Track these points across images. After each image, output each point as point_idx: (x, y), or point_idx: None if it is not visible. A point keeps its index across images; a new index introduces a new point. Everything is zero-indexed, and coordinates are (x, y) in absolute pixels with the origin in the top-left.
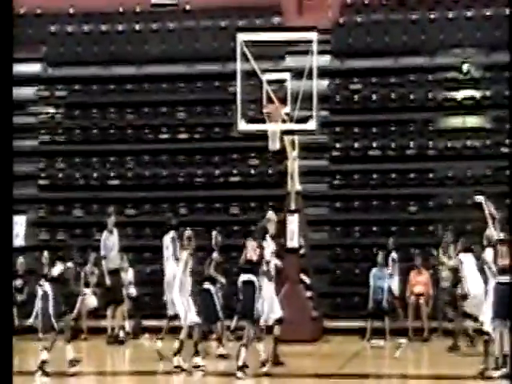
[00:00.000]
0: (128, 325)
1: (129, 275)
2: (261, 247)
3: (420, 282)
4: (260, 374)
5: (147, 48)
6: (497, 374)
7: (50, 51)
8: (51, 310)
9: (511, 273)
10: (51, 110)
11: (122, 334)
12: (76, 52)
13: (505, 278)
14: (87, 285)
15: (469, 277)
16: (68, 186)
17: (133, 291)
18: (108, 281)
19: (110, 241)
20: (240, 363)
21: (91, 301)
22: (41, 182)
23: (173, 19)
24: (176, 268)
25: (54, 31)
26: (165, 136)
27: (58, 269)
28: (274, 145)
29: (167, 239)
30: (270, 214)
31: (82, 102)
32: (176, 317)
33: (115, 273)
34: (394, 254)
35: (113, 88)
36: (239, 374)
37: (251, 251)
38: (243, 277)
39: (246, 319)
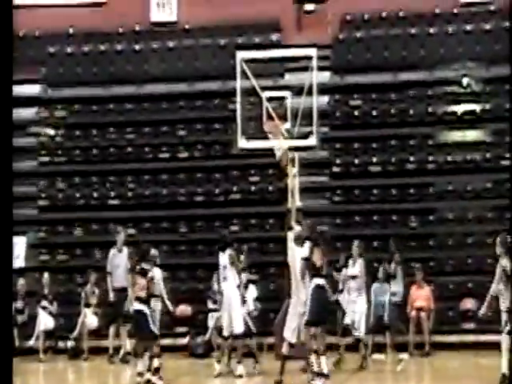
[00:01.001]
0: (129, 344)
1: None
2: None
3: (421, 296)
4: None
5: (147, 67)
6: None
7: (49, 72)
8: None
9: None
10: (51, 131)
11: (121, 353)
12: (76, 72)
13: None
14: (88, 305)
15: None
16: (68, 206)
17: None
18: (112, 298)
19: (118, 259)
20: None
21: (92, 321)
22: (41, 202)
23: (172, 38)
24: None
25: (54, 52)
26: (165, 155)
27: None
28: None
29: (224, 258)
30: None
31: (82, 122)
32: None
33: (121, 291)
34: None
35: (113, 108)
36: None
37: (318, 258)
38: (317, 281)
39: (320, 325)
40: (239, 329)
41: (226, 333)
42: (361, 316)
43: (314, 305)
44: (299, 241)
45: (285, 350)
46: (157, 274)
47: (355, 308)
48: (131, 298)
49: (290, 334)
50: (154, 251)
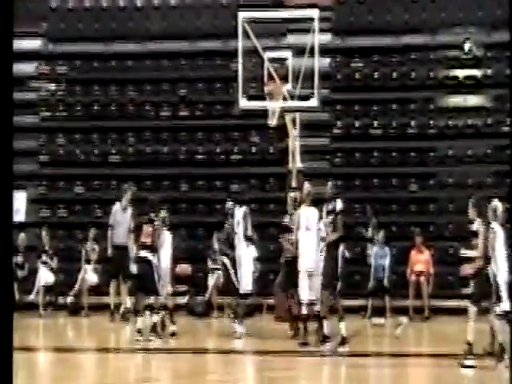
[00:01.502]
0: (129, 302)
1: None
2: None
3: (421, 260)
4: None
5: (148, 25)
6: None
7: (50, 27)
8: None
9: None
10: (52, 86)
11: (122, 310)
12: (77, 28)
13: None
14: (88, 261)
15: None
16: (68, 162)
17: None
18: (110, 253)
19: (121, 216)
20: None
21: (92, 277)
22: (41, 158)
23: None
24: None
25: (55, 7)
26: (166, 113)
27: None
28: (272, 121)
29: (239, 215)
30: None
31: (83, 78)
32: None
33: (121, 249)
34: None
35: (114, 65)
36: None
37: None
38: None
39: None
40: (247, 287)
41: (241, 290)
42: None
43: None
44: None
45: (305, 310)
46: (167, 237)
47: None
48: (132, 257)
49: (306, 294)
50: (164, 213)
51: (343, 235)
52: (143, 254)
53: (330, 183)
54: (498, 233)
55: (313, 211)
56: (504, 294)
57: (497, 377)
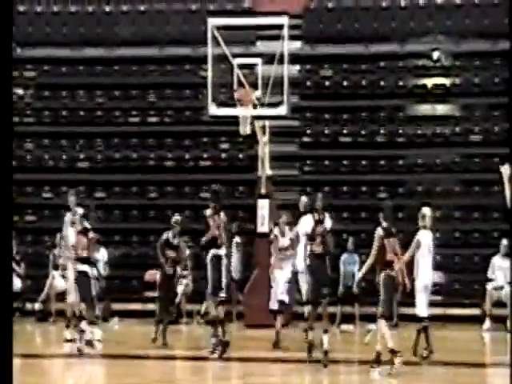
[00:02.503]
0: (97, 308)
1: (102, 256)
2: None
3: None
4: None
5: (117, 30)
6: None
7: (18, 31)
8: None
9: None
10: (20, 91)
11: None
12: (45, 32)
13: None
14: (56, 267)
15: None
16: (37, 167)
17: (101, 272)
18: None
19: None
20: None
21: (60, 283)
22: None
23: (143, 1)
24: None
25: (23, 10)
26: (135, 119)
27: None
28: (245, 129)
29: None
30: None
31: (52, 83)
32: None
33: None
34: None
35: (82, 70)
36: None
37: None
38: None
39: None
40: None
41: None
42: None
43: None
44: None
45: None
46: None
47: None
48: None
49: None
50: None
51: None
52: (81, 268)
53: (319, 194)
54: (422, 239)
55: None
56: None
57: None
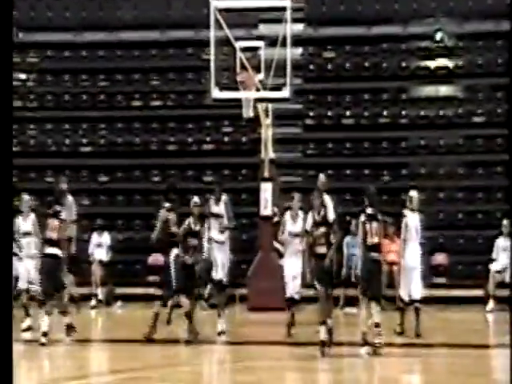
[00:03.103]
0: (100, 292)
1: (104, 239)
2: None
3: (393, 250)
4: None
5: (119, 14)
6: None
7: (20, 16)
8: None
9: None
10: (23, 76)
11: (94, 301)
12: (47, 17)
13: None
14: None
15: None
16: (40, 152)
17: (103, 256)
18: None
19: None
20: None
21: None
22: (12, 148)
23: None
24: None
25: None
26: (137, 103)
27: None
28: (248, 112)
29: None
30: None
31: (54, 67)
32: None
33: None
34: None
35: (85, 54)
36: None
37: None
38: None
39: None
40: (221, 275)
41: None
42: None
43: None
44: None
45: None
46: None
47: None
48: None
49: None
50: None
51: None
52: (50, 250)
53: (321, 176)
54: (409, 221)
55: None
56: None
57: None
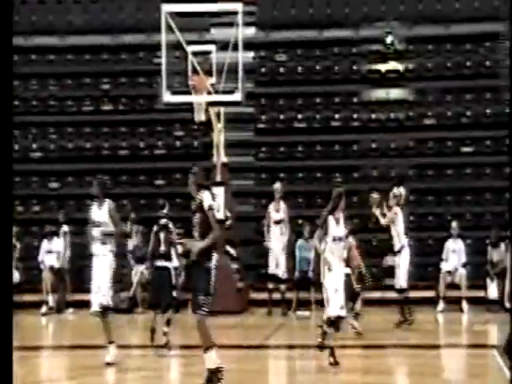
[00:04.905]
0: (51, 299)
1: (55, 246)
2: None
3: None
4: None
5: (70, 18)
6: None
7: None
8: None
9: None
10: None
11: (44, 308)
12: None
13: None
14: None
15: None
16: None
17: (54, 263)
18: None
19: None
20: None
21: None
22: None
23: None
24: None
25: None
26: (88, 107)
27: None
28: (200, 116)
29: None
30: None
31: None
32: None
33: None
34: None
35: (35, 58)
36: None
37: None
38: None
39: None
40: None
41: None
42: None
43: None
44: None
45: None
46: None
47: None
48: None
49: None
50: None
51: None
52: None
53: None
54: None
55: None
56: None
57: None
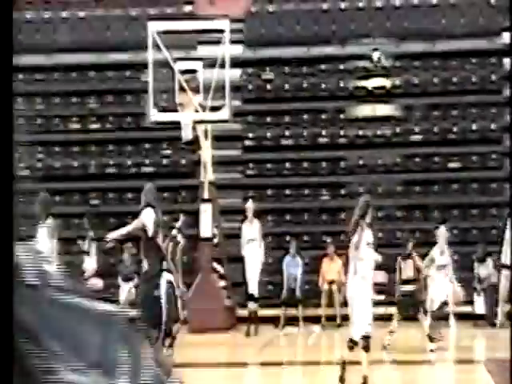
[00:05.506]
0: None
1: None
2: None
3: (333, 269)
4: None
5: (57, 37)
6: None
7: None
8: None
9: None
10: None
11: None
12: None
13: None
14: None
15: None
16: None
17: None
18: None
19: None
20: None
21: None
22: None
23: (83, 8)
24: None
25: None
26: (75, 126)
27: None
28: (187, 134)
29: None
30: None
31: None
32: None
33: None
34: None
35: (21, 77)
36: None
37: None
38: None
39: None
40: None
41: None
42: None
43: None
44: None
45: None
46: None
47: None
48: None
49: None
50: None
51: None
52: None
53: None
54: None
55: None
56: None
57: None
